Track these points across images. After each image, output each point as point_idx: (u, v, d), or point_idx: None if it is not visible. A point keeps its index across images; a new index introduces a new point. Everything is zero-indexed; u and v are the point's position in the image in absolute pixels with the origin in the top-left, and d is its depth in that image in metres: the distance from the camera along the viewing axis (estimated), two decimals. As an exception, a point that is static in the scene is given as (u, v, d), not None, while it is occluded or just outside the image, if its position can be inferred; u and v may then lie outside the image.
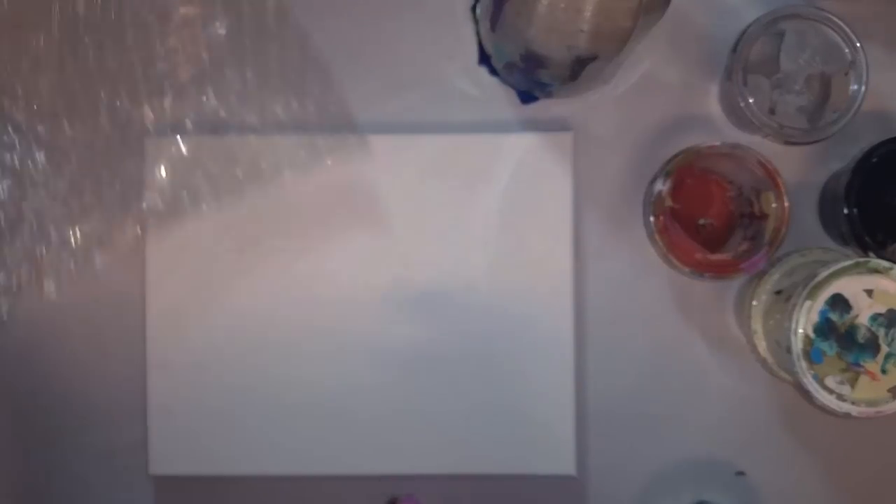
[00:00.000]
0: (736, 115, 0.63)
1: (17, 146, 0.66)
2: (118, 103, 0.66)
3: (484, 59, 0.65)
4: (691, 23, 0.65)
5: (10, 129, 0.66)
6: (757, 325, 0.62)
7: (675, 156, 0.62)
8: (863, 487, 0.65)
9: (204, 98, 0.66)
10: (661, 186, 0.61)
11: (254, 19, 0.66)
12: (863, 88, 0.60)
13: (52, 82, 0.66)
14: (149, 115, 0.66)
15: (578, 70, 0.57)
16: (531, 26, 0.52)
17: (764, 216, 0.62)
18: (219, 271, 0.63)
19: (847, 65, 0.61)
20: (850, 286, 0.55)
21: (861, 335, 0.55)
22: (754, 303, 0.62)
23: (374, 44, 0.66)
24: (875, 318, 0.55)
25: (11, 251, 0.66)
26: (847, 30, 0.60)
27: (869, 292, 0.55)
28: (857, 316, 0.55)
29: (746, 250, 0.62)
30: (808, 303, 0.55)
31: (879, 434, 0.65)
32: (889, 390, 0.55)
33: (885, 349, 0.55)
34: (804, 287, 0.55)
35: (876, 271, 0.55)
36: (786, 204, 0.61)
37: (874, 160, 0.60)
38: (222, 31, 0.66)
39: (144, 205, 0.63)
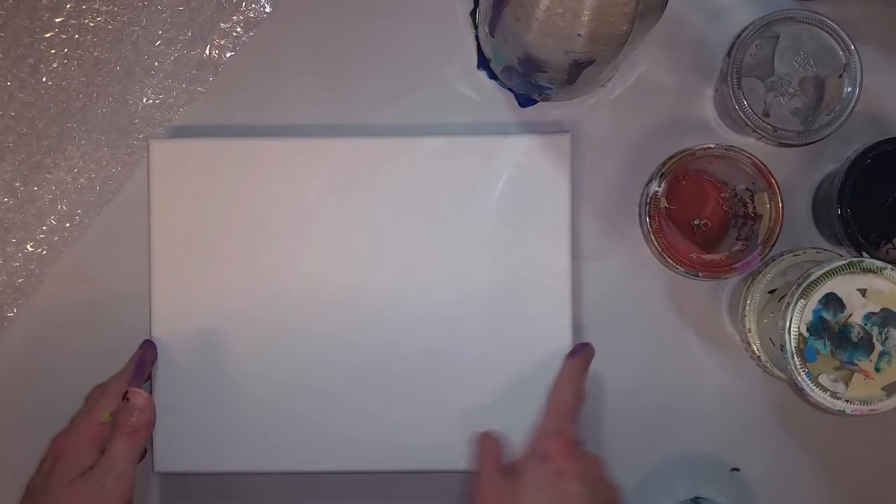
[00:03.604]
0: (730, 117, 0.63)
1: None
2: (124, 104, 0.67)
3: (483, 62, 0.66)
4: (687, 27, 0.65)
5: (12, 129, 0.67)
6: (751, 323, 0.62)
7: (671, 157, 0.62)
8: (856, 484, 0.66)
9: (207, 100, 0.66)
10: (657, 188, 0.62)
11: (258, 23, 0.67)
12: (857, 91, 0.60)
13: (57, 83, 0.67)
14: (154, 117, 0.67)
15: (576, 73, 0.57)
16: (529, 31, 0.52)
17: (758, 217, 0.62)
18: (223, 271, 0.63)
19: (841, 67, 0.61)
20: (843, 285, 0.55)
21: (855, 334, 0.55)
22: (748, 302, 0.62)
23: (375, 48, 0.66)
24: (869, 317, 0.55)
25: (17, 249, 0.67)
26: (841, 32, 0.60)
27: (863, 292, 0.55)
28: (850, 315, 0.55)
29: (740, 250, 0.62)
30: (801, 302, 0.55)
31: (873, 431, 0.65)
32: (883, 388, 0.55)
33: (878, 348, 0.55)
34: (798, 286, 0.55)
35: (870, 271, 0.55)
36: (779, 204, 0.61)
37: (868, 161, 0.60)
38: (231, 35, 0.67)
39: (150, 206, 0.64)
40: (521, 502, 0.54)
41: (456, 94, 0.66)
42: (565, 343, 0.63)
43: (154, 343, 0.63)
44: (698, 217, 0.64)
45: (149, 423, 0.58)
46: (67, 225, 0.66)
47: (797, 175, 0.65)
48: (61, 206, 0.66)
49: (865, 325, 0.56)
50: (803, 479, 0.65)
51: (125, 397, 0.58)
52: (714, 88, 0.65)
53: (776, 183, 0.61)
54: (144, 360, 0.62)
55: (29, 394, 0.66)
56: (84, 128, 0.66)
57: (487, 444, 0.59)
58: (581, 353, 0.61)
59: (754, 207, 0.62)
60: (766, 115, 0.61)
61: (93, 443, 0.57)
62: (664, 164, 0.62)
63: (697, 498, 0.65)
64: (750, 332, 0.62)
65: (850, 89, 0.60)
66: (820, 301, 0.55)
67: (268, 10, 0.66)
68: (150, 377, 0.64)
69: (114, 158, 0.66)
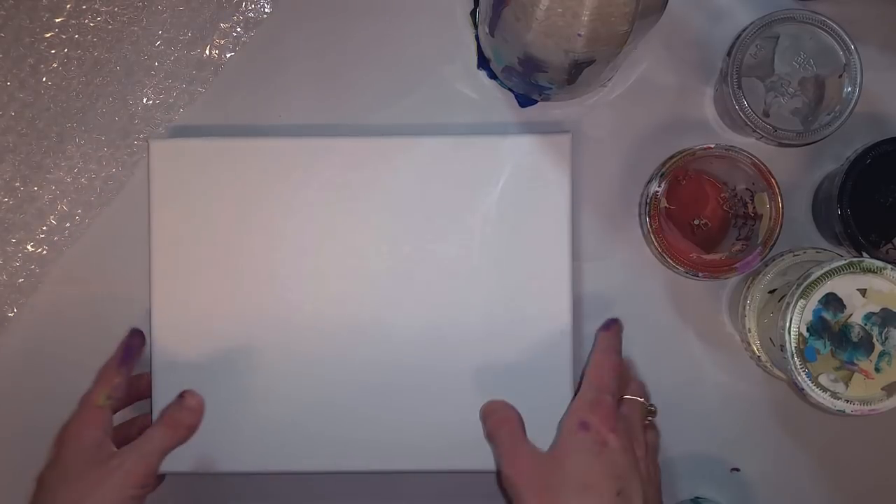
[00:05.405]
0: (730, 117, 0.63)
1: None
2: (123, 104, 0.67)
3: (483, 62, 0.66)
4: (687, 27, 0.65)
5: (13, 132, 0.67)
6: (751, 323, 0.62)
7: (671, 157, 0.62)
8: (856, 484, 0.66)
9: (207, 100, 0.67)
10: (657, 188, 0.62)
11: (258, 23, 0.67)
12: (857, 91, 0.60)
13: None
14: (154, 117, 0.67)
15: (576, 73, 0.57)
16: (529, 31, 0.52)
17: (758, 217, 0.62)
18: (223, 271, 0.63)
19: (841, 67, 0.61)
20: (843, 285, 0.55)
21: (855, 334, 0.55)
22: (748, 302, 0.62)
23: (375, 48, 0.66)
24: (869, 317, 0.55)
25: (17, 249, 0.67)
26: (841, 33, 0.60)
27: (862, 291, 0.55)
28: (850, 315, 0.55)
29: (740, 250, 0.62)
30: (801, 302, 0.55)
31: (873, 431, 0.65)
32: (883, 388, 0.55)
33: (878, 348, 0.55)
34: (798, 286, 0.55)
35: (869, 271, 0.55)
36: (779, 204, 0.61)
37: (868, 161, 0.60)
38: (231, 35, 0.67)
39: (150, 206, 0.64)
40: (566, 470, 0.52)
41: (456, 94, 0.66)
42: (565, 343, 0.63)
43: (140, 330, 0.63)
44: (698, 217, 0.64)
45: (191, 426, 0.61)
46: (67, 225, 0.66)
47: (797, 175, 0.65)
48: (61, 206, 0.66)
49: (865, 325, 0.56)
50: (803, 479, 0.65)
51: (181, 395, 0.61)
52: (714, 88, 0.65)
53: (776, 183, 0.61)
54: (132, 346, 0.62)
55: (29, 394, 0.66)
56: (84, 128, 0.66)
57: (503, 413, 0.58)
58: (613, 326, 0.61)
59: (754, 207, 0.63)
60: (766, 115, 0.61)
61: (95, 425, 0.58)
62: (664, 164, 0.62)
63: (697, 498, 0.65)
64: (750, 332, 0.62)
65: (850, 89, 0.61)
66: (820, 301, 0.55)
67: (268, 10, 0.66)
68: (149, 384, 0.63)
69: (114, 158, 0.66)
